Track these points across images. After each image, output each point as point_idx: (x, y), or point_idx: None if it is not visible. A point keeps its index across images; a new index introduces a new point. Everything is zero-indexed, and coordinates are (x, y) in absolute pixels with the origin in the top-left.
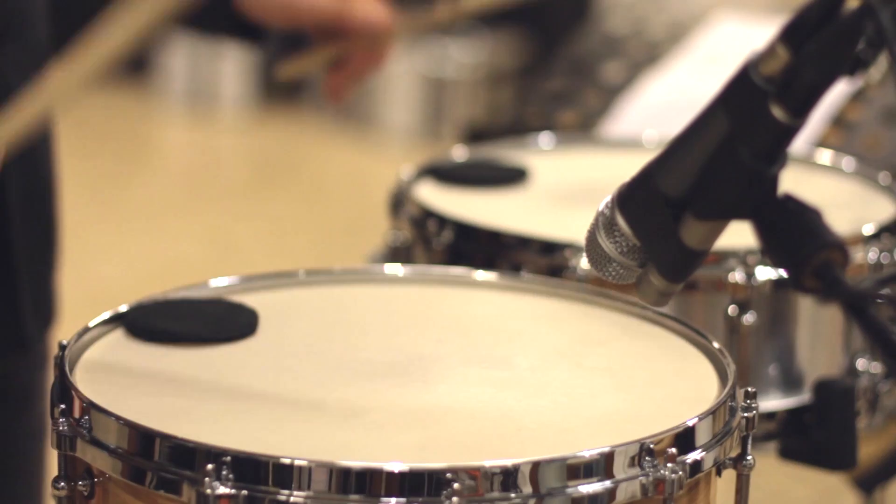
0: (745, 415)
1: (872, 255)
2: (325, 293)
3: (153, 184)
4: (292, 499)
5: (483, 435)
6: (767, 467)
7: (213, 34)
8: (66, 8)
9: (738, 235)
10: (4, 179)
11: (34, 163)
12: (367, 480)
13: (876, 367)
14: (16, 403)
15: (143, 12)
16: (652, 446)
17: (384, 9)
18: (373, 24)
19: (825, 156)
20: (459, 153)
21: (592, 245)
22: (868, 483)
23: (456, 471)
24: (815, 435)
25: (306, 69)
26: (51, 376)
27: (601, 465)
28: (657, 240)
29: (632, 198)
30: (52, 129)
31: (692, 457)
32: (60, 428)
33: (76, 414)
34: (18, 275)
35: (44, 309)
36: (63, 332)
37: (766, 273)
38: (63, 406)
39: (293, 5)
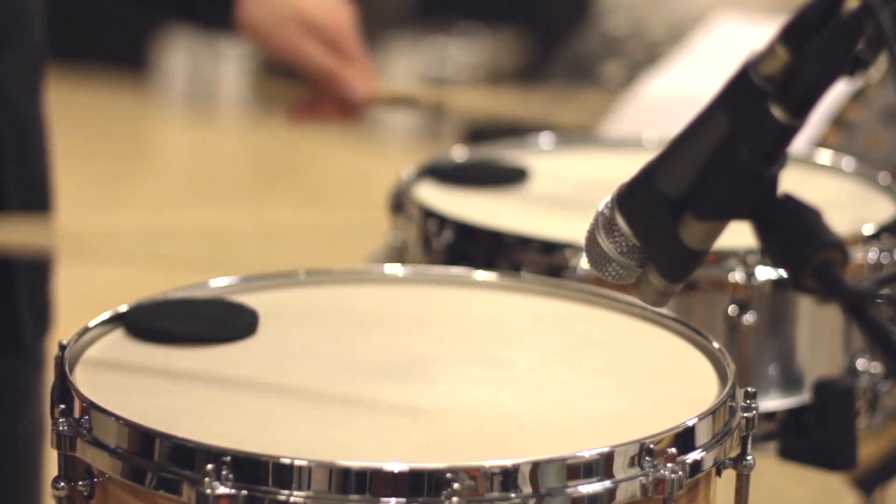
0: (745, 415)
1: (872, 255)
2: (325, 293)
3: (153, 184)
4: (292, 499)
5: (483, 435)
6: (767, 467)
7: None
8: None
9: (738, 235)
10: (3, 187)
11: (31, 170)
12: (367, 480)
13: (876, 367)
14: (12, 407)
15: None
16: (652, 446)
17: (373, 80)
18: (360, 96)
19: (825, 156)
20: (459, 153)
21: (592, 245)
22: (868, 483)
23: (456, 471)
24: (815, 435)
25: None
26: (47, 379)
27: (601, 465)
28: (657, 240)
29: (632, 198)
30: (48, 133)
31: (692, 457)
32: (60, 428)
33: (76, 414)
34: (17, 280)
35: (41, 314)
36: (63, 332)
37: (766, 273)
38: (63, 406)
39: (295, 56)
